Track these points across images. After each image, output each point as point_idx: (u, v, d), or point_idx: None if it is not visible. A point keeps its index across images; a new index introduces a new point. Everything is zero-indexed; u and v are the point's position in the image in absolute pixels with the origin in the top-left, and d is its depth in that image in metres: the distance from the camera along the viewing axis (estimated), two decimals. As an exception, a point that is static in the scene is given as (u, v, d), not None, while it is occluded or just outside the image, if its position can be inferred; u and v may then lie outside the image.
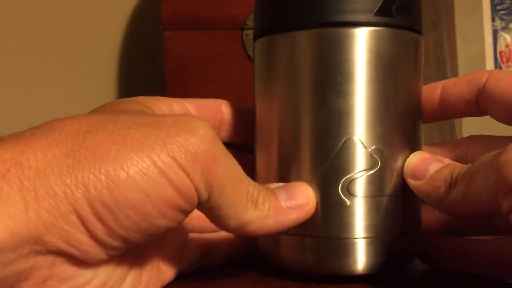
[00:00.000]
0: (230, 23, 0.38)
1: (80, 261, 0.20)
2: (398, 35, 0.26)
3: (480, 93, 0.27)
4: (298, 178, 0.26)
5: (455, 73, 0.58)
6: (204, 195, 0.21)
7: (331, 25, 0.26)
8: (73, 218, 0.18)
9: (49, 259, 0.19)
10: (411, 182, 0.26)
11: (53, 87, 0.63)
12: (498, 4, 0.60)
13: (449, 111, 0.29)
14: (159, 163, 0.20)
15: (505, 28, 0.60)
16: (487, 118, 0.28)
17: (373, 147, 0.26)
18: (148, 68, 0.65)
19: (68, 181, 0.18)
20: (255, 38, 0.29)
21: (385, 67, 0.26)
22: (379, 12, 0.25)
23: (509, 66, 0.59)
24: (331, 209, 0.26)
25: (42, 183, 0.18)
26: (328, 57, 0.26)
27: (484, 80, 0.27)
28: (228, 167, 0.22)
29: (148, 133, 0.20)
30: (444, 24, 0.59)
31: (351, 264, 0.26)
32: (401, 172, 0.27)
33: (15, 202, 0.18)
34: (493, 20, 0.60)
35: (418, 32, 0.28)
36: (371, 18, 0.25)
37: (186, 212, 0.21)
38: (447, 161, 0.26)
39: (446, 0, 0.59)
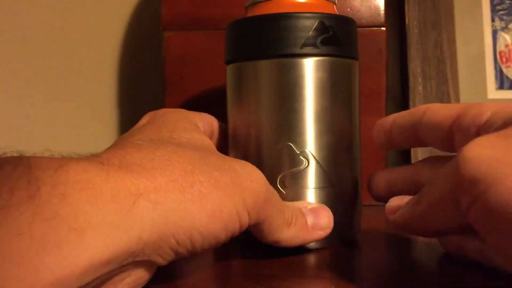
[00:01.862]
0: (230, 23, 0.39)
1: (150, 264, 0.24)
2: (322, 62, 0.33)
3: (419, 124, 0.31)
4: None
5: (455, 73, 0.58)
6: (252, 224, 0.27)
7: (273, 56, 0.33)
8: (172, 240, 0.24)
9: (135, 265, 0.24)
10: (390, 218, 0.29)
11: (52, 87, 0.63)
12: (497, 4, 0.60)
13: (396, 142, 0.33)
14: (238, 206, 0.26)
15: (504, 28, 0.60)
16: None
17: (303, 150, 0.33)
18: (148, 68, 0.65)
19: (180, 214, 0.24)
20: (227, 63, 0.36)
21: (313, 87, 0.33)
22: (305, 45, 0.33)
23: (508, 66, 0.59)
24: None
25: (159, 213, 0.23)
26: (270, 80, 0.33)
27: (422, 112, 0.31)
28: (273, 205, 0.28)
29: (230, 181, 0.26)
30: (444, 24, 0.59)
31: None
32: (330, 171, 0.33)
33: (136, 229, 0.22)
34: (492, 20, 0.60)
35: (348, 57, 0.35)
36: (299, 50, 0.33)
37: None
38: None
39: (446, 0, 0.59)
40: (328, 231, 0.32)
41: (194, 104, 0.51)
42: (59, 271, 0.19)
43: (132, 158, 0.24)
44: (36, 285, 0.19)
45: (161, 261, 0.24)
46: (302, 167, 0.33)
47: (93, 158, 0.24)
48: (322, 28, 0.33)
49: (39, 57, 0.62)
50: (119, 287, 0.24)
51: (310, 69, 0.33)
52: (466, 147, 0.22)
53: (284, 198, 0.33)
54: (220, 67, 0.37)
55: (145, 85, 0.66)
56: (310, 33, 0.33)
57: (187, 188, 0.24)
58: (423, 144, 0.32)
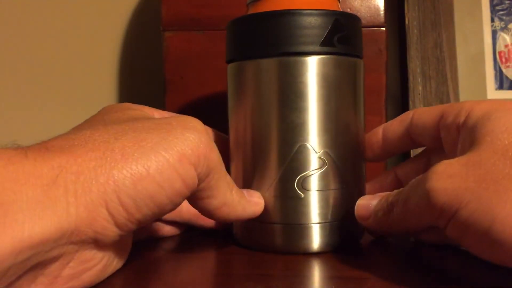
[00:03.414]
0: (230, 24, 0.39)
1: (97, 245, 0.24)
2: (338, 61, 0.33)
3: (409, 127, 0.34)
4: (264, 178, 0.32)
5: (454, 73, 0.58)
6: (202, 179, 0.26)
7: (286, 54, 0.32)
8: (103, 209, 0.23)
9: (77, 246, 0.23)
10: (363, 223, 0.32)
11: (53, 87, 0.63)
12: (497, 5, 0.60)
13: (390, 148, 0.36)
14: (171, 161, 0.24)
15: (504, 29, 0.60)
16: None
17: (321, 151, 0.32)
18: (148, 68, 0.65)
19: (101, 180, 0.23)
20: (228, 62, 0.35)
21: (329, 86, 0.32)
22: (323, 43, 0.32)
23: (508, 66, 0.59)
24: (290, 201, 0.32)
25: (81, 184, 0.22)
26: (284, 79, 0.32)
27: (410, 116, 0.34)
28: (218, 154, 0.27)
29: (161, 136, 0.25)
30: (444, 24, 0.59)
31: (308, 244, 0.32)
32: (346, 171, 0.33)
33: (60, 202, 0.21)
34: (492, 20, 0.60)
35: (357, 56, 0.34)
36: (317, 48, 0.32)
37: (185, 197, 0.26)
38: (384, 194, 0.31)
39: (445, 0, 0.59)
40: (262, 205, 0.32)
41: (194, 104, 0.51)
42: None
43: (52, 142, 0.24)
44: None
45: (104, 238, 0.23)
46: (321, 168, 0.32)
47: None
48: (338, 26, 0.32)
49: (39, 57, 0.62)
50: (64, 272, 0.23)
51: (325, 67, 0.32)
52: (432, 177, 0.25)
53: (303, 201, 0.32)
54: (220, 67, 0.37)
55: (145, 85, 0.66)
56: (327, 31, 0.32)
57: (108, 153, 0.23)
58: (417, 145, 0.35)
